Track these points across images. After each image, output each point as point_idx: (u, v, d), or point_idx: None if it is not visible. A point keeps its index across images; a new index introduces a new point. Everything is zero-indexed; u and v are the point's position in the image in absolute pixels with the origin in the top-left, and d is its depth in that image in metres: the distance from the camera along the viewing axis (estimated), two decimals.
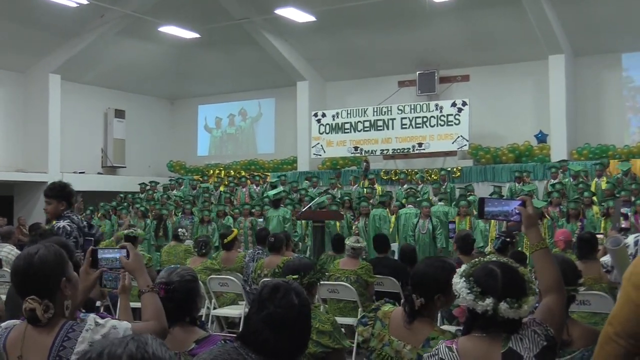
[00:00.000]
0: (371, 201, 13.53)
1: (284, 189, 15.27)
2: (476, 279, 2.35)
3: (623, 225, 4.09)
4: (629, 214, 9.71)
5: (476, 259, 2.47)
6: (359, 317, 4.67)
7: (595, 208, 11.32)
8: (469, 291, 2.33)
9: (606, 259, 4.38)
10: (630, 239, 4.24)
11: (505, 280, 2.32)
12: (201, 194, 16.24)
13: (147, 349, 1.24)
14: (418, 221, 11.99)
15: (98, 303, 7.11)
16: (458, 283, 2.38)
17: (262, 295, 2.19)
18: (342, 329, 3.80)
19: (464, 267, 2.45)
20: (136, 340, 1.25)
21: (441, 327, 3.29)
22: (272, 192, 12.34)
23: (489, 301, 2.28)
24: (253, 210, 13.64)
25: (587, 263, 5.57)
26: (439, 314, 6.15)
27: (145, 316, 2.64)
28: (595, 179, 13.36)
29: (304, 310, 2.19)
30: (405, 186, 15.14)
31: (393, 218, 12.59)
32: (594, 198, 11.85)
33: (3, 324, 2.44)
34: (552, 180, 13.65)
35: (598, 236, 6.55)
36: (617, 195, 11.54)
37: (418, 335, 2.89)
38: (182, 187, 17.68)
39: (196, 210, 14.39)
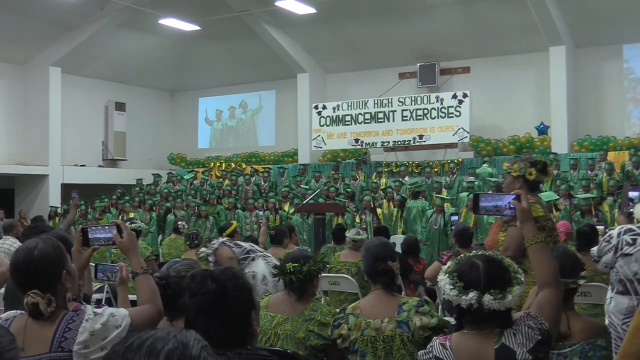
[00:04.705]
0: (376, 195, 13.51)
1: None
2: (459, 273, 2.35)
3: (631, 210, 4.08)
4: (636, 200, 9.58)
5: (461, 255, 2.47)
6: None
7: (605, 204, 11.26)
8: (452, 287, 2.33)
9: (594, 249, 4.41)
10: (615, 232, 4.25)
11: (487, 272, 2.31)
12: (187, 187, 16.49)
13: (187, 352, 1.22)
14: (431, 215, 11.94)
15: (97, 296, 7.14)
16: (442, 280, 2.38)
17: (184, 285, 2.17)
18: None
19: (449, 263, 2.45)
20: (179, 340, 1.23)
21: (443, 318, 3.31)
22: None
23: (472, 295, 2.28)
24: (256, 204, 13.94)
25: (586, 255, 5.57)
26: (440, 306, 6.17)
27: (141, 299, 2.62)
28: (605, 174, 13.04)
29: (221, 294, 2.05)
30: (406, 178, 15.09)
31: (395, 211, 12.57)
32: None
33: (3, 315, 2.44)
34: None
35: (598, 227, 6.55)
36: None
37: (390, 307, 3.13)
38: (179, 183, 17.63)
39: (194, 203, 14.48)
